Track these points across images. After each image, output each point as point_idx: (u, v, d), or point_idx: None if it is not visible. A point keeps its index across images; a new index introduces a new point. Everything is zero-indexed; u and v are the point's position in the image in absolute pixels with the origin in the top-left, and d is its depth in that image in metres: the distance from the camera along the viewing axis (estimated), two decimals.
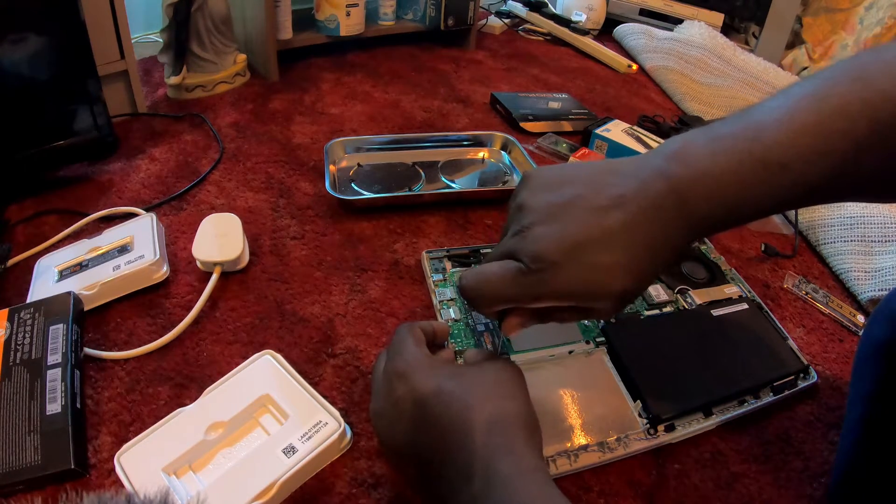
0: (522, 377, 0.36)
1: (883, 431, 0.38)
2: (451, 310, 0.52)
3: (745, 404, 0.47)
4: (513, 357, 0.47)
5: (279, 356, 0.45)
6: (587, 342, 0.50)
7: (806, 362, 0.51)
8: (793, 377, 0.50)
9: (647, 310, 0.55)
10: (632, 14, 1.40)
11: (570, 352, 0.49)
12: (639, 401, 0.45)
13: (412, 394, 0.33)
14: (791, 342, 0.53)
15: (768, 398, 0.48)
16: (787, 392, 0.49)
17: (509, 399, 0.33)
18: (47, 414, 0.39)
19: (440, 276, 0.56)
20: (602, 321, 0.52)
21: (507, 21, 1.35)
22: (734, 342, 0.51)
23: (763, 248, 0.67)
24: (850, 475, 0.40)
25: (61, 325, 0.45)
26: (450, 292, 0.54)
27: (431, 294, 0.54)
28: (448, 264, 0.57)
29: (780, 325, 0.54)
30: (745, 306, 0.55)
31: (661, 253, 0.31)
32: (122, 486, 0.37)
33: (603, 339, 0.51)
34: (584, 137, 0.85)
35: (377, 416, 0.36)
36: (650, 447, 0.43)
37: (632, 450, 0.43)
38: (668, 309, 0.55)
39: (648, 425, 0.44)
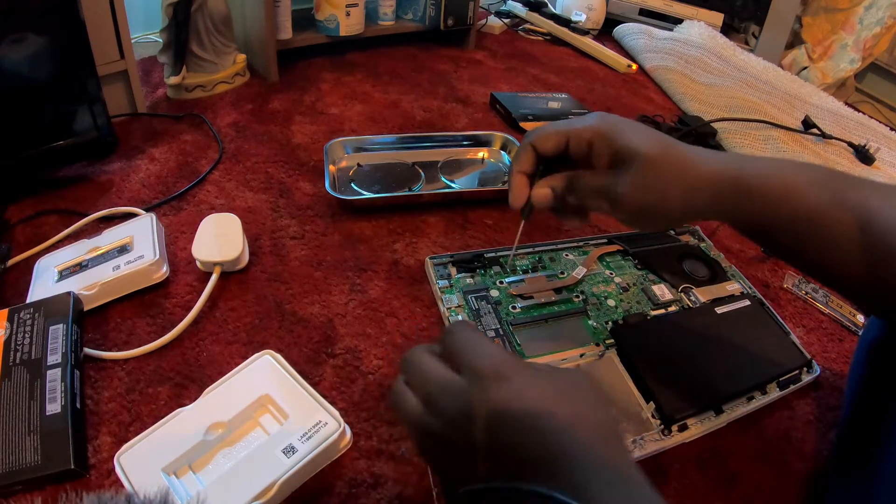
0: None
1: (860, 429, 0.39)
2: (459, 316, 0.52)
3: (753, 400, 0.47)
4: None
5: (279, 356, 0.45)
6: (597, 345, 0.50)
7: (809, 356, 0.52)
8: (797, 371, 0.50)
9: (652, 310, 0.55)
10: (631, 14, 1.40)
11: (581, 355, 0.49)
12: (652, 402, 0.45)
13: (516, 398, 0.27)
14: (793, 337, 0.53)
15: (775, 393, 0.48)
16: (792, 387, 0.49)
17: (607, 406, 0.30)
18: (47, 414, 0.39)
19: (446, 283, 0.55)
20: (610, 323, 0.52)
21: (506, 21, 1.35)
22: (739, 339, 0.51)
23: (763, 249, 0.67)
24: (837, 465, 0.41)
25: (61, 325, 0.45)
26: (456, 299, 0.53)
27: (438, 301, 0.54)
28: (453, 270, 0.57)
29: (781, 321, 0.54)
30: (748, 303, 0.55)
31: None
32: (121, 486, 0.37)
33: (612, 340, 0.51)
34: None
35: (450, 425, 0.28)
36: (665, 448, 0.44)
37: (647, 451, 0.43)
38: (672, 308, 0.55)
39: (662, 426, 0.44)
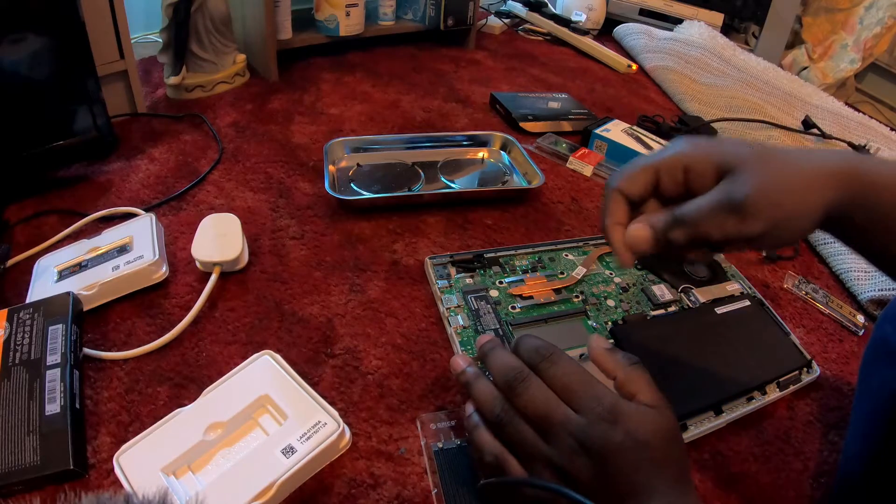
0: None
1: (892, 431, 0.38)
2: (458, 317, 0.52)
3: (753, 401, 0.47)
4: None
5: (278, 356, 0.45)
6: None
7: (809, 356, 0.51)
8: (797, 372, 0.50)
9: (652, 310, 0.55)
10: (632, 14, 1.40)
11: (581, 356, 0.49)
12: None
13: (626, 440, 0.31)
14: (793, 337, 0.53)
15: (775, 394, 0.48)
16: (792, 387, 0.49)
17: (682, 443, 0.35)
18: (46, 414, 0.39)
19: (445, 283, 0.55)
20: (610, 323, 0.52)
21: (506, 21, 1.35)
22: (739, 339, 0.51)
23: (764, 254, 0.66)
24: (855, 474, 0.40)
25: (60, 325, 0.45)
26: (456, 299, 0.53)
27: (437, 301, 0.54)
28: (452, 270, 0.57)
29: (781, 321, 0.54)
30: (748, 303, 0.55)
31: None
32: (120, 486, 0.37)
33: (612, 341, 0.50)
34: (583, 137, 0.85)
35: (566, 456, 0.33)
36: None
37: None
38: (672, 308, 0.55)
39: None
